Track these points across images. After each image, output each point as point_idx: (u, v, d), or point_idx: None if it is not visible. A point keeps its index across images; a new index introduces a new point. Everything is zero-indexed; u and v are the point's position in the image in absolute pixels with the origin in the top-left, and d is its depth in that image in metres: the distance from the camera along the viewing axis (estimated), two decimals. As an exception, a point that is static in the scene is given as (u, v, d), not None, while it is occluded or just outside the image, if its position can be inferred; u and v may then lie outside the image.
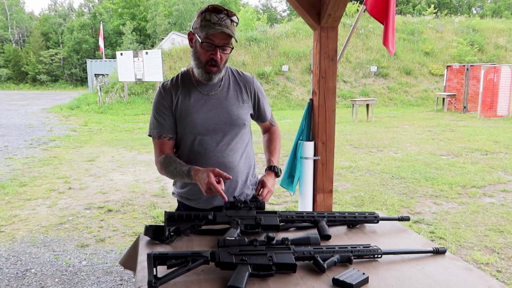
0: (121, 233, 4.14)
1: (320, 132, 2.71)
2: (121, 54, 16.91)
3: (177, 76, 1.77)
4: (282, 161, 6.92)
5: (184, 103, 1.69)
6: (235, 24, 1.60)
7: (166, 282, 1.15)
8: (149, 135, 1.76)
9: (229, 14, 1.57)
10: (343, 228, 1.62)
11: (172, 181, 1.86)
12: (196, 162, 1.68)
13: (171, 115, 1.71)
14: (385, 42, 3.39)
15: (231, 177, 1.53)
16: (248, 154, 1.81)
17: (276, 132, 1.98)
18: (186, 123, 1.69)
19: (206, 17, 1.56)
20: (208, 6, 1.58)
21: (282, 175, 3.10)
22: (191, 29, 1.66)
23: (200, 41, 1.58)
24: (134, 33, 46.17)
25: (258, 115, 1.85)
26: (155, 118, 1.73)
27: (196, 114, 1.68)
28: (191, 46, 1.67)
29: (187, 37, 1.71)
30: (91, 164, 7.25)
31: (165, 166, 1.68)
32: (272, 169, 1.81)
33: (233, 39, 1.61)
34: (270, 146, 1.93)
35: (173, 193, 1.87)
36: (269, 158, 1.88)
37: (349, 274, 1.19)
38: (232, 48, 1.64)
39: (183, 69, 1.83)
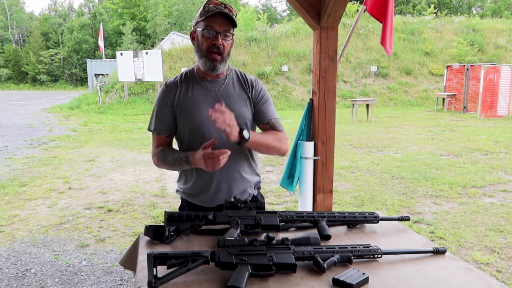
0: (121, 233, 4.14)
1: (320, 132, 2.71)
2: (121, 54, 16.91)
3: (182, 74, 1.80)
4: (282, 161, 6.93)
5: (187, 99, 1.72)
6: (233, 15, 1.64)
7: (166, 282, 1.15)
8: (149, 130, 1.80)
9: (227, 6, 1.63)
10: (343, 228, 1.62)
11: (176, 178, 1.88)
12: None
13: (172, 113, 1.74)
14: (383, 42, 3.38)
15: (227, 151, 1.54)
16: (250, 153, 1.81)
17: (279, 134, 1.78)
18: (188, 119, 1.71)
19: (205, 8, 1.61)
20: (207, 0, 1.63)
21: (282, 175, 3.10)
22: (192, 28, 1.71)
23: (201, 30, 1.63)
24: (134, 33, 46.18)
25: (256, 114, 1.78)
26: (156, 114, 1.77)
27: (199, 110, 1.70)
28: (194, 44, 1.71)
29: (187, 37, 1.74)
30: (91, 164, 7.25)
31: (163, 157, 1.72)
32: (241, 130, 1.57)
33: (232, 28, 1.65)
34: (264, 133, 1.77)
35: (177, 190, 1.88)
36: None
37: (349, 274, 1.19)
38: (233, 35, 1.67)
39: (184, 69, 1.84)
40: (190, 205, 1.81)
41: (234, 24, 1.64)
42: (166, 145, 1.78)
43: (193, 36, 1.71)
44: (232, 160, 1.71)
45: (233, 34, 1.66)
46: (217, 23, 1.60)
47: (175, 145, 1.83)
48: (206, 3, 1.62)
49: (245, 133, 1.56)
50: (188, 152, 1.65)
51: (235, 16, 1.65)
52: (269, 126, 1.80)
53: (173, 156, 1.70)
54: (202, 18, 1.61)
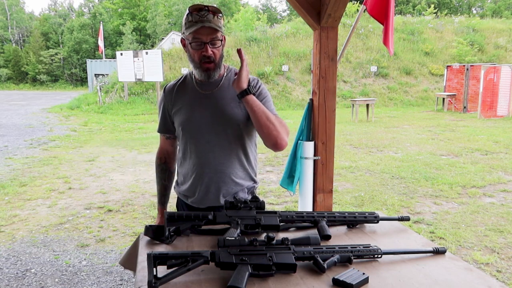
0: (121, 233, 4.15)
1: (320, 132, 2.71)
2: (121, 54, 16.90)
3: (181, 78, 1.83)
4: (282, 161, 6.92)
5: (181, 102, 1.75)
6: (219, 17, 1.60)
7: (166, 282, 1.16)
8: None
9: (210, 9, 1.58)
10: (343, 228, 1.62)
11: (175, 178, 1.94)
12: (190, 161, 1.76)
13: (169, 116, 1.81)
14: (385, 41, 3.39)
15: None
16: (245, 157, 1.78)
17: (282, 121, 1.69)
18: (181, 121, 1.74)
19: (188, 19, 1.58)
20: (189, 7, 1.59)
21: (282, 175, 3.10)
22: (182, 36, 1.69)
23: (189, 42, 1.61)
24: (134, 33, 46.15)
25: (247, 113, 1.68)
26: (159, 117, 1.86)
27: (191, 112, 1.72)
28: (186, 52, 1.70)
29: (180, 42, 1.72)
30: (91, 164, 7.25)
31: (156, 175, 1.92)
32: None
33: (220, 33, 1.61)
34: None
35: (174, 187, 1.92)
36: None
37: (349, 274, 1.19)
38: (222, 41, 1.63)
39: (185, 70, 1.85)
40: (184, 204, 1.85)
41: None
42: (168, 148, 1.89)
43: (183, 44, 1.69)
44: (223, 163, 1.72)
45: (221, 40, 1.62)
46: (203, 34, 1.57)
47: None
48: (189, 11, 1.58)
49: (252, 89, 1.60)
50: (162, 203, 1.91)
51: (221, 16, 1.61)
52: None
53: (158, 183, 1.91)
54: (188, 31, 1.57)
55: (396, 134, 10.03)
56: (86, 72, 29.99)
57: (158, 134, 1.90)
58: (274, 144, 1.61)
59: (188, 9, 1.58)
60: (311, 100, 2.78)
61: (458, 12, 39.88)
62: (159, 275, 1.15)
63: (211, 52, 1.60)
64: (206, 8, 1.57)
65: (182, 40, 1.69)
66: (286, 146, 1.65)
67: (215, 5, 1.64)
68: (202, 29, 1.56)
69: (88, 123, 13.14)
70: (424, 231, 4.02)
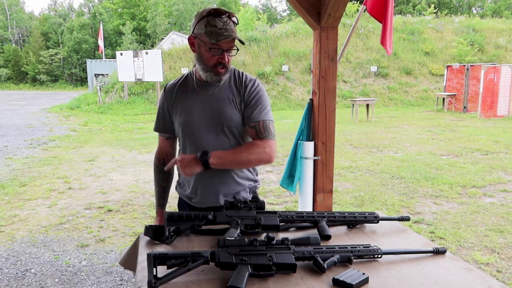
0: (121, 233, 4.14)
1: (320, 132, 2.71)
2: (121, 54, 16.90)
3: (181, 77, 1.82)
4: (282, 161, 6.92)
5: (181, 102, 1.75)
6: (236, 24, 1.62)
7: (166, 282, 1.15)
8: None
9: (230, 16, 1.58)
10: (343, 228, 1.62)
11: (176, 177, 1.93)
12: None
13: (168, 116, 1.80)
14: (383, 41, 3.39)
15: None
16: None
17: (257, 143, 1.67)
18: (181, 122, 1.74)
19: (210, 23, 1.55)
20: (210, 10, 1.58)
21: (282, 175, 3.10)
22: (192, 34, 1.65)
23: (207, 47, 1.59)
24: (134, 33, 46.17)
25: (244, 117, 1.71)
26: (157, 116, 1.85)
27: (191, 113, 1.72)
28: (194, 51, 1.67)
29: (187, 37, 1.72)
30: (91, 164, 7.25)
31: (154, 174, 1.92)
32: (201, 155, 1.59)
33: (237, 41, 1.62)
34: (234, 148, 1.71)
35: (175, 188, 1.92)
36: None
37: (349, 274, 1.19)
38: (237, 50, 1.65)
39: (185, 70, 1.84)
40: (186, 204, 1.86)
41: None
42: (167, 149, 1.88)
43: (192, 42, 1.66)
44: None
45: (237, 49, 1.64)
46: (225, 42, 1.58)
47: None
48: (210, 14, 1.56)
49: (203, 157, 1.58)
50: (161, 205, 1.90)
51: (237, 22, 1.62)
52: (254, 130, 1.69)
53: (156, 185, 1.91)
54: (213, 38, 1.55)
55: (396, 134, 10.03)
56: (86, 72, 29.99)
57: (157, 134, 1.89)
58: (263, 164, 1.75)
59: (210, 12, 1.57)
60: (311, 100, 2.78)
61: (458, 12, 39.89)
62: (159, 275, 1.15)
63: (227, 59, 1.62)
64: (227, 14, 1.57)
65: (191, 38, 1.65)
66: (274, 159, 1.73)
67: (216, 5, 1.63)
68: (226, 39, 1.57)
69: (88, 123, 13.14)
70: (424, 231, 4.02)
